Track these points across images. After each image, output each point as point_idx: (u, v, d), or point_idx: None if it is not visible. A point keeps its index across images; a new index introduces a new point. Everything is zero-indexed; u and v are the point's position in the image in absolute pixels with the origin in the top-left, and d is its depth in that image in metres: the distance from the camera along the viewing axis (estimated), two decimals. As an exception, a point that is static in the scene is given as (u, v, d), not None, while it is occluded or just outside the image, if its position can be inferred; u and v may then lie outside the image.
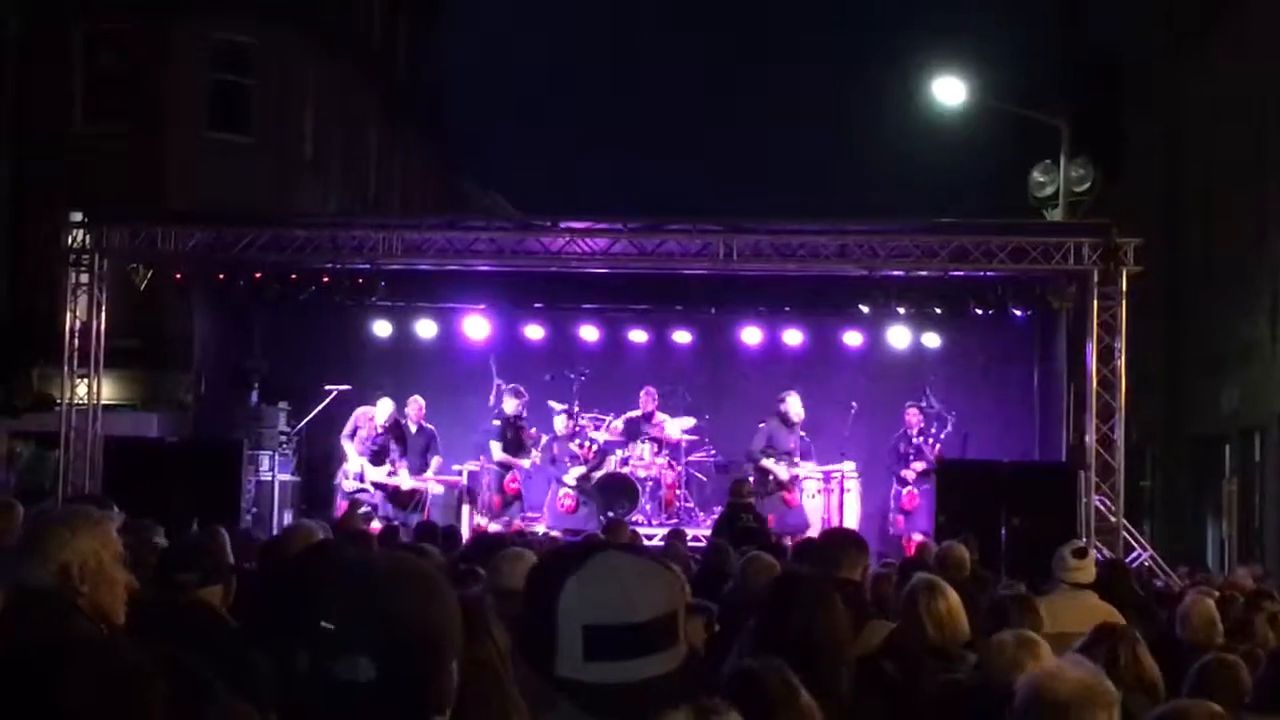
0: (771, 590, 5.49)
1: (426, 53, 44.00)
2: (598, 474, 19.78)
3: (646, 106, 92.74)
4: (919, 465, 19.50)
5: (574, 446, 19.93)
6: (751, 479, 17.96)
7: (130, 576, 4.84)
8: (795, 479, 19.26)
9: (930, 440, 19.69)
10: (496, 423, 19.94)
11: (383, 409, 19.71)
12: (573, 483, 19.71)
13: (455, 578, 7.03)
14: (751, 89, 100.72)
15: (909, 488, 19.47)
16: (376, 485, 19.42)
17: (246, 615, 5.95)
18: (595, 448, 19.95)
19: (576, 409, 20.18)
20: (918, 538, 18.62)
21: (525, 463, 19.85)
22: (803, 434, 19.87)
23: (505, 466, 19.75)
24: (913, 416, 19.74)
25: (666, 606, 2.51)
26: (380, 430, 19.61)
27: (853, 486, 19.61)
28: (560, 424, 20.02)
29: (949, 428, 19.80)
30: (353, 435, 19.67)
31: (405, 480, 19.49)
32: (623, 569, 2.53)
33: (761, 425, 19.65)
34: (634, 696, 2.45)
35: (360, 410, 19.86)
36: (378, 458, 19.49)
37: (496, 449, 19.78)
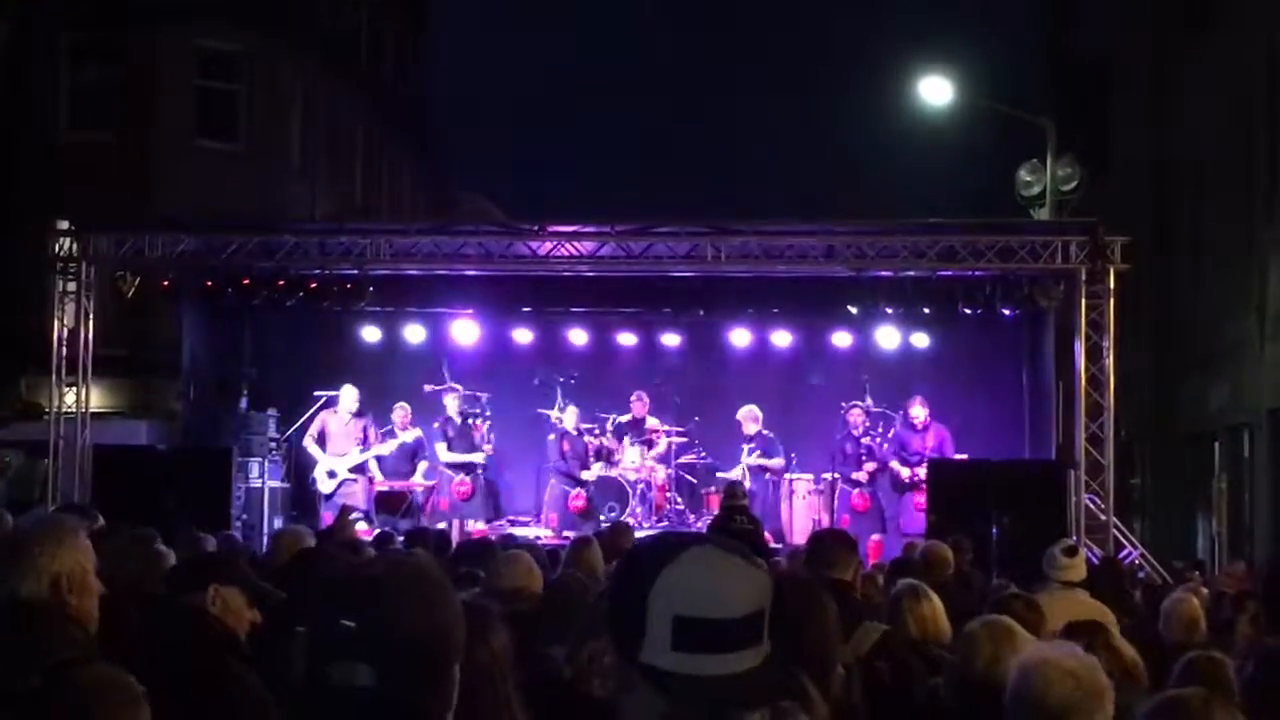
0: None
1: (414, 58, 43.98)
2: (615, 472, 19.85)
3: (633, 109, 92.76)
4: (871, 466, 19.55)
5: (590, 440, 19.97)
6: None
7: (100, 584, 4.89)
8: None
9: (879, 440, 19.75)
10: (435, 424, 19.96)
11: (347, 397, 19.70)
12: (592, 478, 19.74)
13: (454, 580, 7.02)
14: (737, 88, 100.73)
15: (859, 488, 19.50)
16: (355, 470, 19.41)
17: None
18: (606, 442, 20.01)
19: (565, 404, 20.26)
20: (875, 538, 18.80)
21: (479, 457, 19.78)
22: (767, 432, 19.91)
23: (454, 467, 19.71)
24: (856, 416, 19.78)
25: (757, 604, 2.51)
26: (348, 418, 19.61)
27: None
28: (571, 420, 20.02)
29: (897, 426, 19.90)
30: (320, 438, 19.63)
31: (380, 449, 19.55)
32: (719, 564, 2.52)
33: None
34: (716, 690, 2.46)
35: (323, 413, 19.84)
36: (355, 445, 19.53)
37: (442, 450, 19.78)
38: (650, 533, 17.04)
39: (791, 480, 19.85)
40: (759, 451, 19.83)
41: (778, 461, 19.79)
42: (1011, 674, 4.31)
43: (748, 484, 19.57)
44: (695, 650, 2.44)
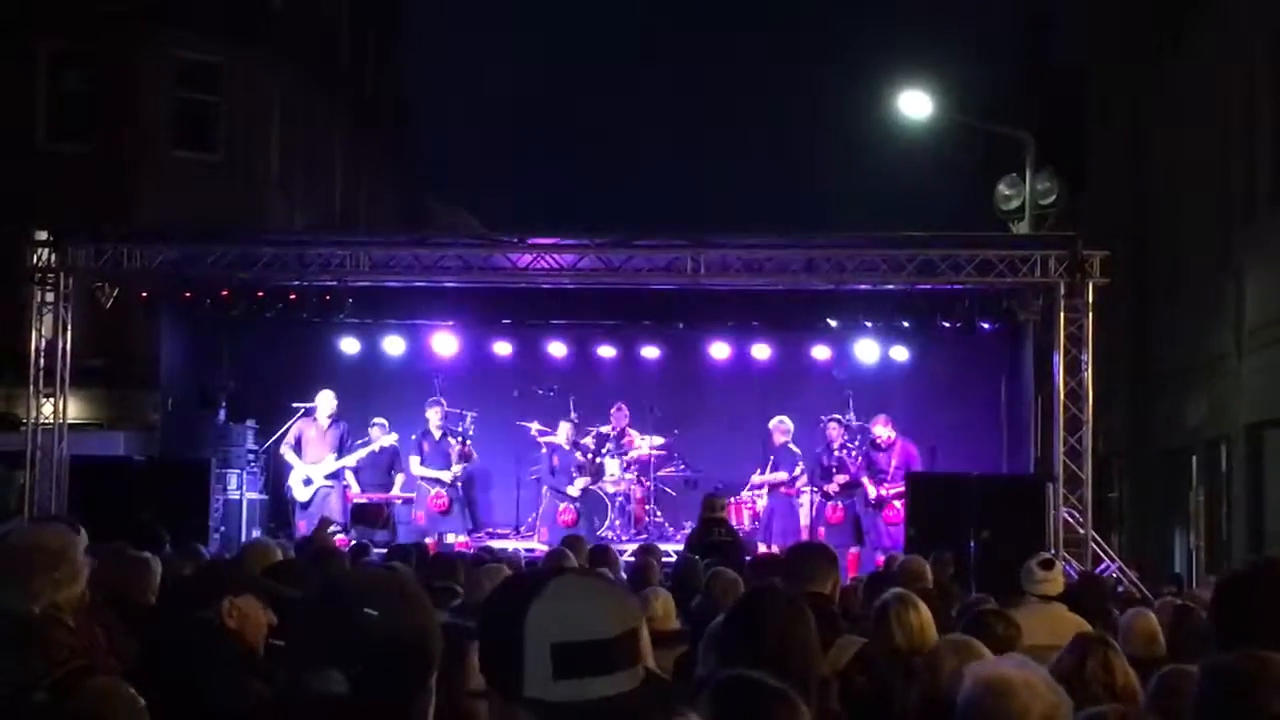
0: (742, 603, 5.49)
1: (393, 70, 43.96)
2: (595, 486, 19.83)
3: (612, 122, 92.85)
4: (842, 479, 19.56)
5: (579, 457, 19.93)
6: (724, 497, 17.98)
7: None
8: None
9: (852, 454, 19.76)
10: (414, 436, 19.92)
11: (324, 403, 19.67)
12: (577, 494, 19.70)
13: (430, 595, 6.99)
14: (719, 102, 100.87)
15: (833, 501, 19.51)
16: (330, 477, 19.39)
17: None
18: (595, 459, 19.97)
19: (575, 418, 20.21)
20: (853, 551, 18.82)
21: (446, 475, 19.72)
22: (793, 447, 19.84)
23: (426, 481, 19.67)
24: (834, 430, 19.80)
25: (629, 624, 2.52)
26: (328, 424, 19.58)
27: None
28: (564, 434, 19.99)
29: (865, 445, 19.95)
30: (297, 446, 19.61)
31: (349, 460, 19.59)
32: (585, 588, 2.55)
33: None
34: (603, 713, 2.46)
35: (300, 420, 19.81)
36: (334, 453, 19.52)
37: (414, 462, 19.76)
38: (631, 547, 17.10)
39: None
40: (773, 465, 19.81)
41: (780, 475, 19.74)
42: (965, 687, 4.28)
43: (764, 498, 19.63)
44: (578, 675, 2.46)
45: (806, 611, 5.20)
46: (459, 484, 19.79)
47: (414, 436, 19.86)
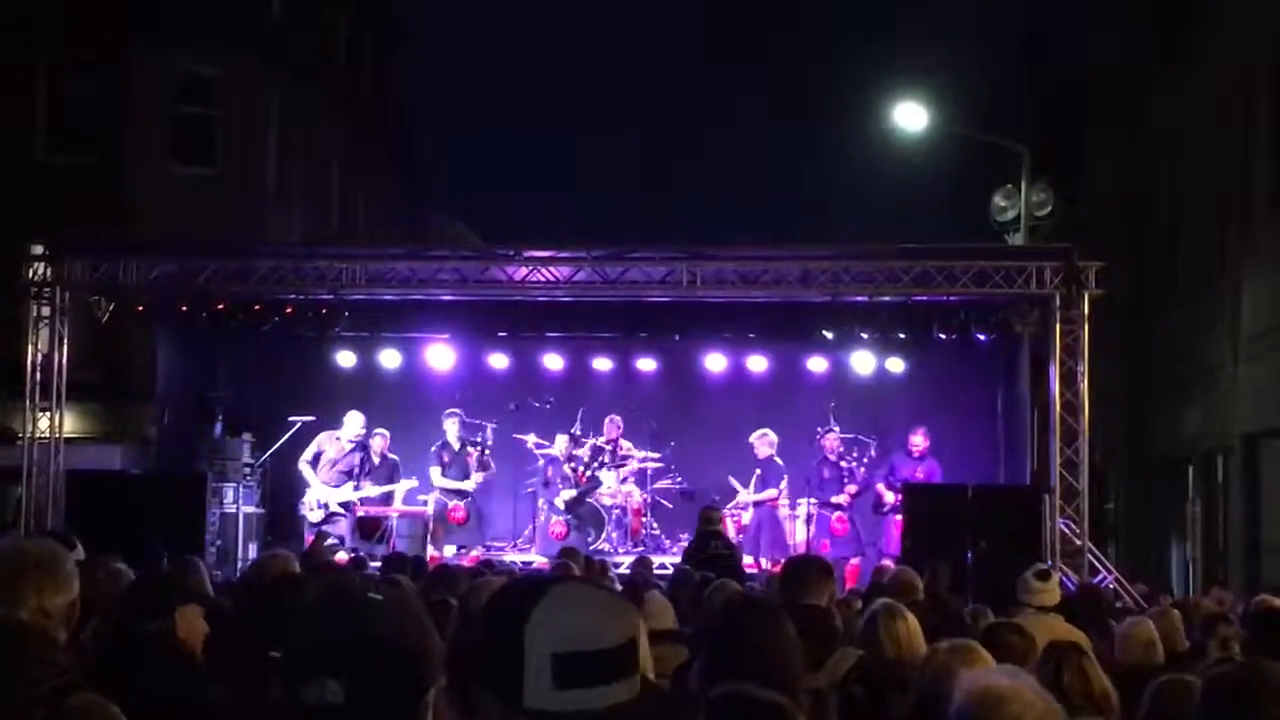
0: (724, 615, 5.50)
1: (391, 81, 43.91)
2: (588, 499, 19.81)
3: (610, 134, 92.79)
4: (852, 488, 19.56)
5: (568, 470, 19.93)
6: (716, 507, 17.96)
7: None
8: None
9: (856, 464, 19.77)
10: (433, 448, 19.94)
11: (351, 424, 19.65)
12: (562, 506, 19.69)
13: (428, 608, 6.99)
14: (715, 115, 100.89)
15: (839, 512, 19.49)
16: (344, 505, 19.36)
17: (218, 644, 5.91)
18: (588, 473, 19.95)
19: (578, 431, 20.19)
20: (854, 562, 18.83)
21: (468, 485, 19.76)
22: (777, 459, 19.81)
23: (446, 492, 19.68)
24: (831, 441, 19.78)
25: (627, 634, 2.53)
26: (349, 447, 19.56)
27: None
28: (560, 446, 20.00)
29: (871, 451, 19.94)
30: (315, 461, 19.57)
31: (370, 491, 19.53)
32: (585, 598, 2.55)
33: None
34: None
35: (323, 434, 19.78)
36: (347, 478, 19.46)
37: (436, 474, 19.75)
38: (628, 559, 17.10)
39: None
40: (760, 479, 19.78)
41: (770, 492, 19.72)
42: (955, 699, 4.26)
43: (751, 512, 19.60)
44: (577, 685, 2.46)
45: (786, 623, 5.19)
46: (473, 496, 19.85)
47: (434, 448, 19.90)
